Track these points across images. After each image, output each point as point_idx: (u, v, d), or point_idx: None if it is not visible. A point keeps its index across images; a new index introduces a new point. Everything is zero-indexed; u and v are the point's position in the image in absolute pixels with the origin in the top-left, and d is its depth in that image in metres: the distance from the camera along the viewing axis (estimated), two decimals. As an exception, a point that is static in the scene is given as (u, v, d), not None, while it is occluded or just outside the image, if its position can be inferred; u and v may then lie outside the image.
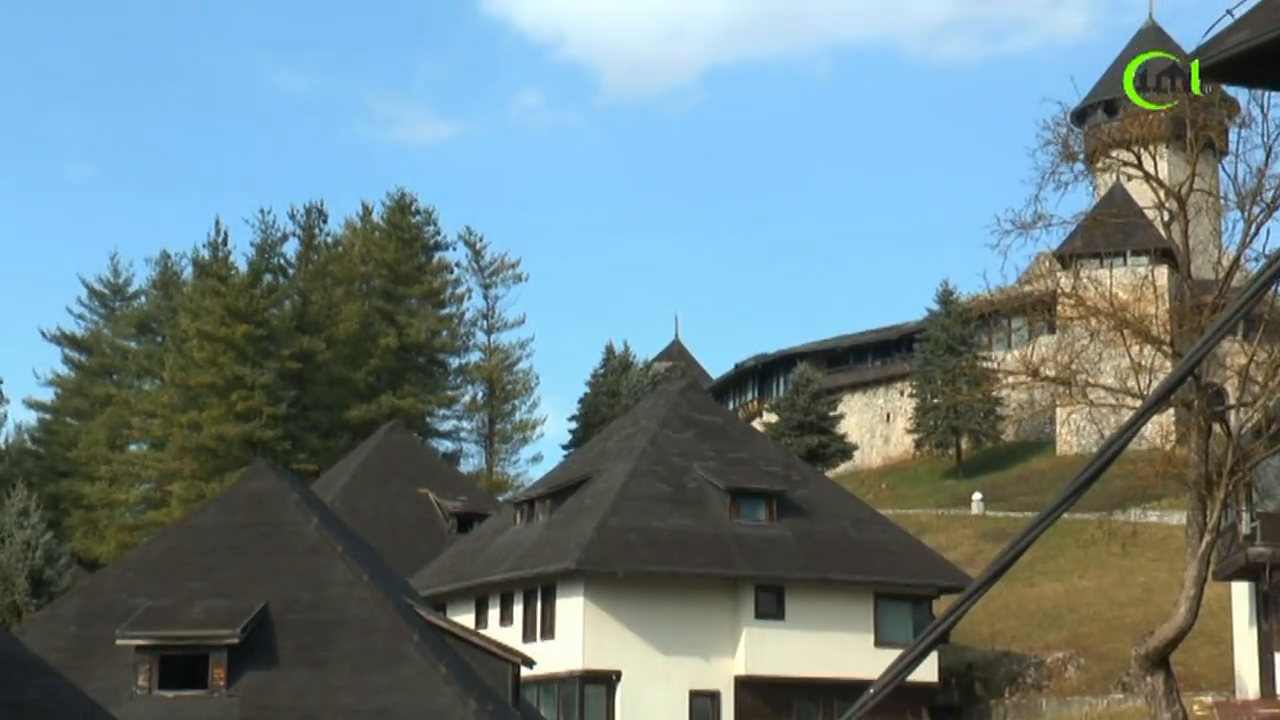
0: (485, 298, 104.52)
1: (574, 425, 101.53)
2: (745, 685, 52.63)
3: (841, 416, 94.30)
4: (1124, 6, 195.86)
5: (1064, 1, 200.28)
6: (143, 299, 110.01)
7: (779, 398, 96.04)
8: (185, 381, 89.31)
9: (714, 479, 55.18)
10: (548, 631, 52.88)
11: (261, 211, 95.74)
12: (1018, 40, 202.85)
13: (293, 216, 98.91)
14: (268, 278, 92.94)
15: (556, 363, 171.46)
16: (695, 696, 52.36)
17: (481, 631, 44.83)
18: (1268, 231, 35.09)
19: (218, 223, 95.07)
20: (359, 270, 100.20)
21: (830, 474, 76.06)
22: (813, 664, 52.36)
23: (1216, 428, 35.26)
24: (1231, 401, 38.09)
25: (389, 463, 70.08)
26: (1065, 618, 59.18)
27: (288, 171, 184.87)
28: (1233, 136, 37.65)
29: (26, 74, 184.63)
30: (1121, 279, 58.56)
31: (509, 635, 50.14)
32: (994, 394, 76.41)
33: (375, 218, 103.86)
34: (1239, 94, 42.23)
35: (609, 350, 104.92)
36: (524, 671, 36.84)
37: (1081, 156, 40.12)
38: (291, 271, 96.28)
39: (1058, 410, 77.60)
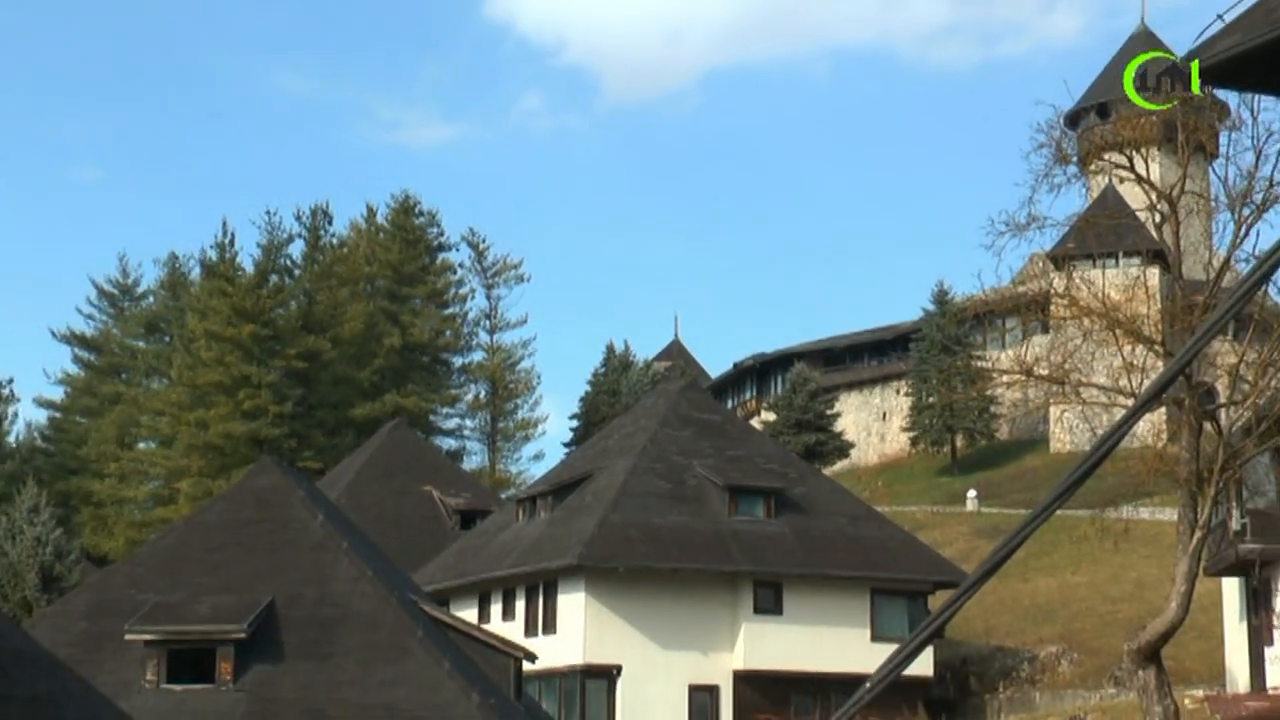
0: (488, 298, 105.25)
1: (575, 423, 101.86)
2: (744, 679, 52.95)
3: (838, 415, 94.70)
4: (1117, 11, 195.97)
5: (1058, 6, 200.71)
6: (151, 299, 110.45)
7: (777, 396, 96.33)
8: (193, 380, 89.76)
9: (713, 476, 55.54)
10: (549, 626, 53.17)
11: (267, 213, 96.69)
12: (1012, 44, 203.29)
13: (298, 218, 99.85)
14: (274, 278, 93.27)
15: (558, 362, 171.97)
16: (694, 690, 52.66)
17: (484, 626, 45.01)
18: (1257, 233, 35.18)
19: (225, 224, 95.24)
20: (364, 271, 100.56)
21: (827, 471, 76.43)
22: (810, 658, 52.72)
23: (1207, 426, 35.36)
24: (1222, 400, 38.38)
25: (393, 460, 70.42)
26: (1059, 613, 59.59)
27: (293, 173, 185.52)
28: (1223, 140, 38.00)
29: (34, 77, 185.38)
30: (1114, 279, 59.04)
31: (511, 630, 50.44)
32: (988, 393, 76.80)
33: (380, 219, 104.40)
34: (1229, 98, 42.75)
35: (609, 350, 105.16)
36: (526, 666, 36.98)
37: (1075, 159, 40.48)
38: (297, 272, 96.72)
39: (1051, 409, 78.28)
